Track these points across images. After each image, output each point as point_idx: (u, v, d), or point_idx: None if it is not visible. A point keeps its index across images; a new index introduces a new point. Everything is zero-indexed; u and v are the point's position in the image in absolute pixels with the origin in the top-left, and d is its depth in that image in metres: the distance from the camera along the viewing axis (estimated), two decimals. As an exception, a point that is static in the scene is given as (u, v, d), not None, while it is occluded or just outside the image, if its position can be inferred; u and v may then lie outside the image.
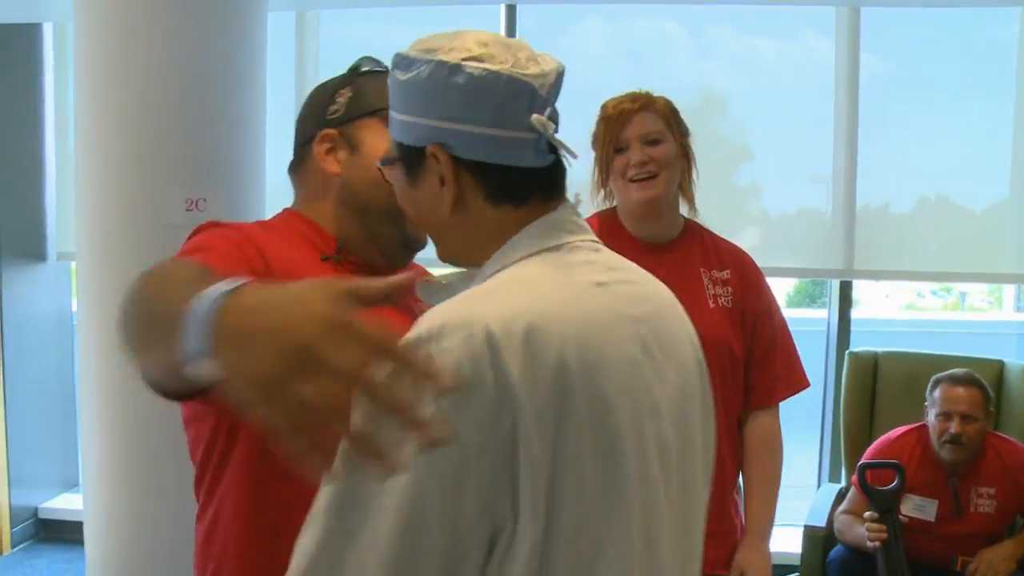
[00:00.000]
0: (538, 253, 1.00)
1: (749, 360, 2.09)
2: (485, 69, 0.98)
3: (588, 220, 1.94)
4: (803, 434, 4.49)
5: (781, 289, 8.41)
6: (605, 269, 1.02)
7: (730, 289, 2.06)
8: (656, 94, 2.05)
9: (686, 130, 2.07)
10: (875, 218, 3.90)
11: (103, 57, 2.92)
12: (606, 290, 0.99)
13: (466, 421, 0.84)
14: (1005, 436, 3.12)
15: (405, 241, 1.34)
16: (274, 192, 3.77)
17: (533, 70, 1.00)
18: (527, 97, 0.99)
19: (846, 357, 3.66)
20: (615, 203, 2.09)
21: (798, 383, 2.15)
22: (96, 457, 2.78)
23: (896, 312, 9.34)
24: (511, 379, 0.85)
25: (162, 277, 0.96)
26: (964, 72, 3.87)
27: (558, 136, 1.02)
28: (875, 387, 3.63)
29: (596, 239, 1.07)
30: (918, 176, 3.90)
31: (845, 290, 3.99)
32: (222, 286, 0.77)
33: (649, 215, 2.03)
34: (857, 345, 3.84)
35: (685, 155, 2.06)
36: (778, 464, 2.12)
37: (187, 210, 3.16)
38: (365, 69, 1.41)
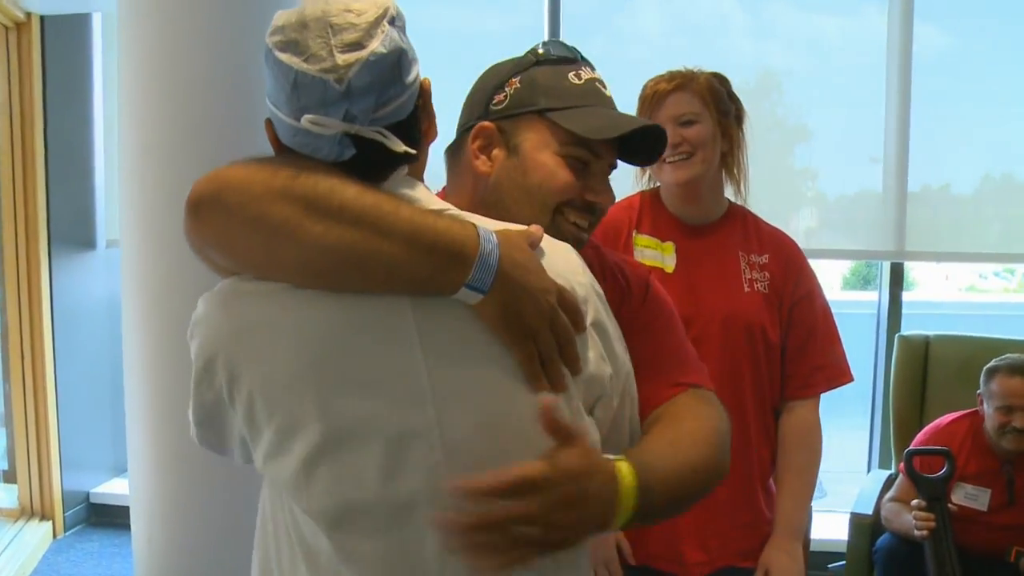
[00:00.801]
0: None
1: (786, 348, 2.01)
2: (279, 58, 1.02)
3: (631, 198, 1.93)
4: (854, 418, 4.41)
5: (836, 272, 8.28)
6: None
7: (767, 274, 1.99)
8: (703, 71, 1.97)
9: (729, 109, 1.98)
10: (932, 198, 3.79)
11: (146, 47, 2.93)
12: None
13: None
14: (1057, 420, 3.01)
15: None
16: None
17: (327, 64, 1.01)
18: (315, 91, 1.01)
19: (896, 340, 3.57)
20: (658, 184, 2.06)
21: (840, 376, 2.05)
22: (141, 443, 2.82)
23: (956, 294, 9.13)
24: None
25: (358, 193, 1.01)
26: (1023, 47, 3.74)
27: (372, 127, 1.04)
28: (926, 371, 3.54)
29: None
30: (979, 155, 3.79)
31: (897, 272, 3.90)
32: (491, 235, 1.03)
33: (688, 196, 1.99)
34: (913, 328, 3.75)
35: (727, 135, 1.97)
36: (814, 458, 2.01)
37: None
38: (542, 53, 1.27)
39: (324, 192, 0.98)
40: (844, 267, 7.51)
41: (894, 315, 3.89)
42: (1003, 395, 2.87)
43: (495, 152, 1.24)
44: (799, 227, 3.94)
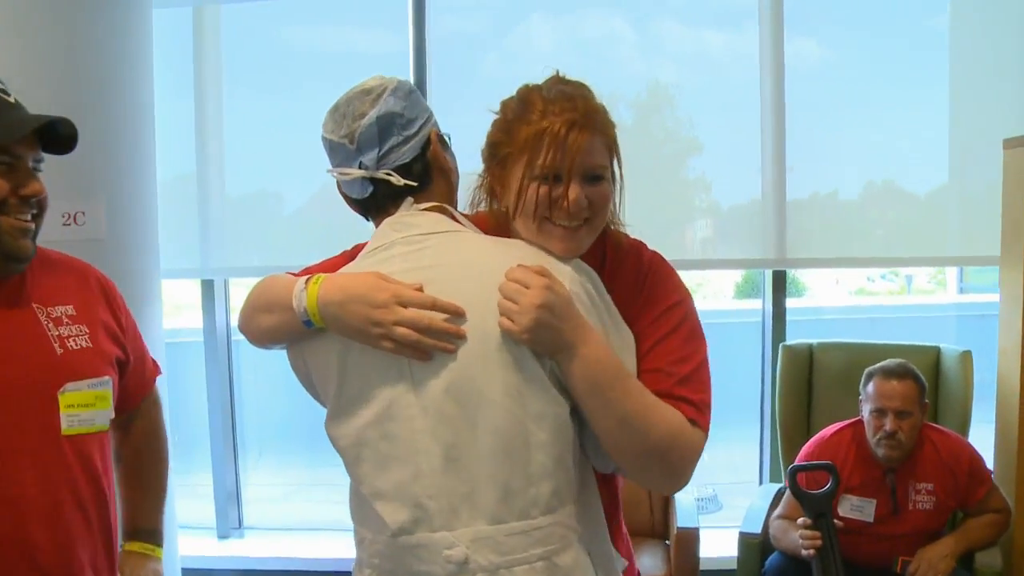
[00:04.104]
0: (373, 251, 1.46)
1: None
2: (322, 135, 1.50)
3: (479, 217, 1.56)
4: (744, 428, 4.35)
5: (729, 280, 8.33)
6: (386, 260, 1.43)
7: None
8: (593, 98, 1.49)
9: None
10: (818, 205, 3.78)
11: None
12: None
13: None
14: (941, 428, 2.99)
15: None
16: (168, 202, 3.56)
17: (344, 131, 1.45)
18: (341, 152, 1.47)
19: (780, 350, 3.51)
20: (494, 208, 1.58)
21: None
22: None
23: (846, 298, 9.30)
24: None
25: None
26: (899, 59, 3.79)
27: (384, 169, 1.46)
28: (811, 379, 3.50)
29: (414, 235, 1.43)
30: (860, 163, 3.80)
31: (779, 280, 3.85)
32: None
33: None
34: (801, 334, 3.70)
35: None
36: None
37: (64, 224, 2.93)
38: None
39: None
40: (736, 275, 7.55)
41: (778, 323, 3.84)
42: (876, 397, 2.83)
43: None
44: (694, 238, 3.91)
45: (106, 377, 1.63)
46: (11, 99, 1.51)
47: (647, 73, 3.86)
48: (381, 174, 1.44)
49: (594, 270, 1.52)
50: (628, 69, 3.85)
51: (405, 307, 1.35)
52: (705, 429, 1.40)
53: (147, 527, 1.85)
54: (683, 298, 1.50)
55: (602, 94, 1.52)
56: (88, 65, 2.96)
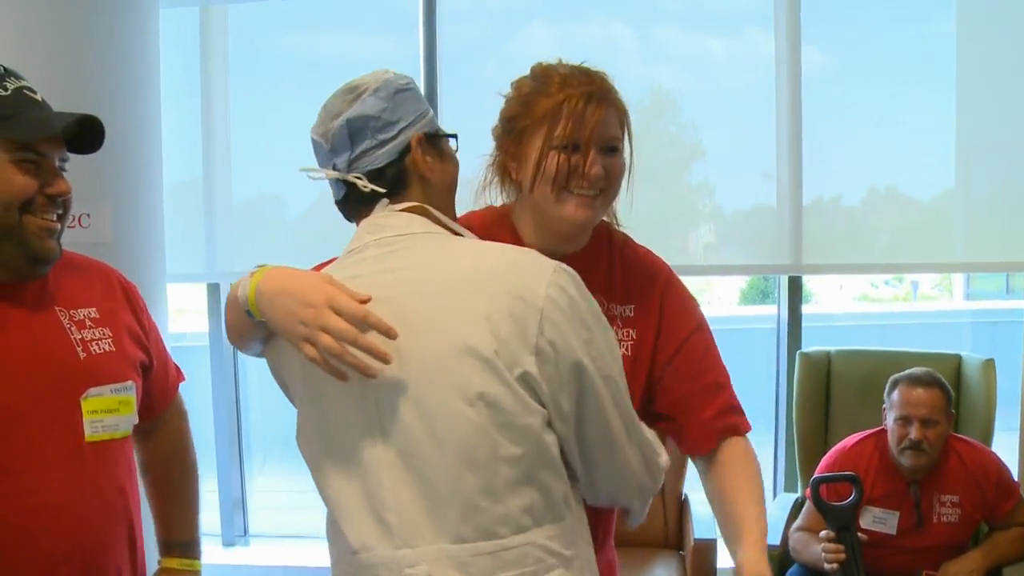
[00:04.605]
0: (348, 254, 1.41)
1: (668, 405, 1.58)
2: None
3: (471, 216, 1.58)
4: (757, 437, 4.28)
5: (734, 286, 8.28)
6: (357, 263, 1.37)
7: (632, 333, 1.57)
8: (608, 78, 1.53)
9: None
10: (826, 212, 3.72)
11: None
12: (351, 282, 1.32)
13: None
14: (966, 438, 2.92)
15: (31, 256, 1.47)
16: (175, 203, 3.50)
17: (321, 131, 1.41)
18: (320, 151, 1.43)
19: (797, 358, 3.44)
20: (507, 201, 1.61)
21: (743, 425, 1.58)
22: None
23: (851, 304, 9.25)
24: None
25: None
26: (905, 64, 3.73)
27: (355, 173, 1.40)
28: (829, 388, 3.43)
29: (388, 236, 1.37)
30: (867, 169, 3.74)
31: (795, 286, 3.79)
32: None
33: (573, 234, 1.55)
34: (812, 341, 3.64)
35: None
36: (758, 471, 1.57)
37: (69, 227, 2.84)
38: None
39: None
40: (741, 281, 7.50)
41: (794, 330, 3.77)
42: (902, 405, 2.75)
43: None
44: (698, 243, 3.84)
45: (129, 382, 1.58)
46: (37, 97, 1.49)
47: (649, 78, 3.81)
48: (351, 177, 1.38)
49: (601, 272, 1.57)
50: (630, 74, 3.78)
51: (339, 314, 1.26)
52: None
53: (183, 539, 1.80)
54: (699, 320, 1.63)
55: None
56: (95, 66, 2.90)
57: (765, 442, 4.06)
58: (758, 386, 4.09)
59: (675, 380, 1.57)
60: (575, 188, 1.47)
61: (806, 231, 3.64)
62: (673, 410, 1.57)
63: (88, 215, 2.88)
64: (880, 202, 3.78)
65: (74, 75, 2.83)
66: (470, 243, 1.38)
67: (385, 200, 1.39)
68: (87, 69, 2.88)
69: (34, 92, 1.49)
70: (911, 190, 3.78)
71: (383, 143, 1.37)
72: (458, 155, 1.48)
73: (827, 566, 2.63)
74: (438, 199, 1.42)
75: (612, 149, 1.49)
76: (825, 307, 7.49)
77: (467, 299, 1.27)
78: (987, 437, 3.11)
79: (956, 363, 3.30)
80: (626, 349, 1.55)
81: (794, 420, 3.39)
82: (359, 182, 1.37)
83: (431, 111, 1.43)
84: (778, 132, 3.64)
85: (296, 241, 3.91)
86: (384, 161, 1.38)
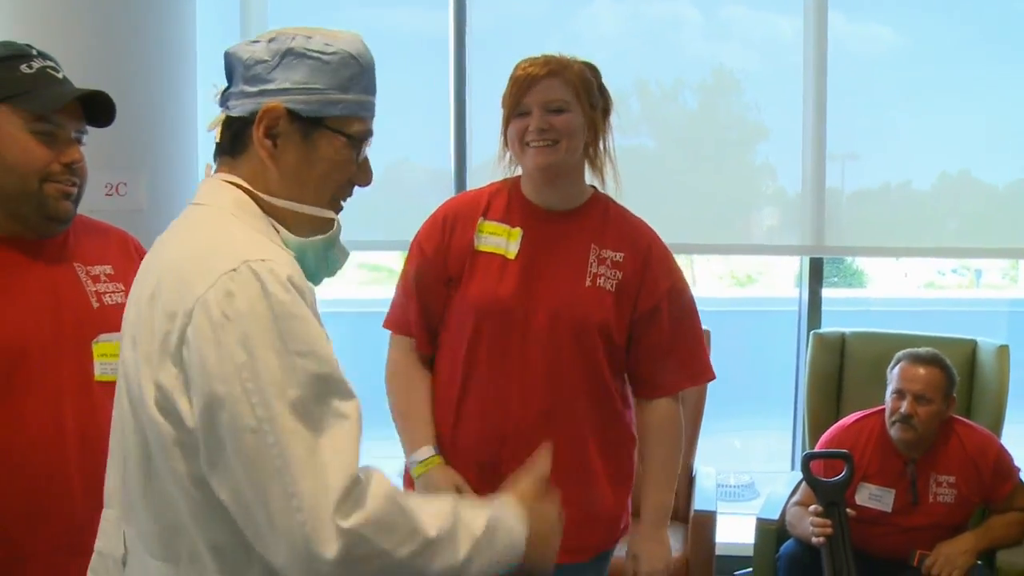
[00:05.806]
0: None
1: (639, 348, 1.97)
2: None
3: (492, 185, 2.03)
4: (782, 419, 4.31)
5: (789, 269, 8.21)
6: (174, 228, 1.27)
7: (619, 273, 1.94)
8: (577, 59, 1.92)
9: (597, 102, 1.94)
10: (890, 195, 3.73)
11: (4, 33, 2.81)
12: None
13: None
14: (969, 422, 2.93)
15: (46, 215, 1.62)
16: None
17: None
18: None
19: (811, 338, 3.47)
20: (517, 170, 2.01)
21: (702, 374, 2.04)
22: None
23: (913, 291, 9.10)
24: None
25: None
26: (984, 42, 3.68)
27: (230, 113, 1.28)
28: (842, 369, 3.45)
29: (190, 202, 1.28)
30: (935, 152, 3.72)
31: (816, 268, 3.80)
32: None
33: (547, 181, 1.94)
34: (844, 326, 3.65)
35: (592, 126, 1.93)
36: (674, 451, 2.03)
37: (107, 195, 3.05)
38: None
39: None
40: (795, 263, 7.43)
41: (814, 312, 3.79)
42: (899, 379, 2.79)
43: None
44: (762, 225, 3.88)
45: None
46: (59, 75, 1.63)
47: (711, 57, 3.80)
48: (216, 105, 1.29)
49: (594, 223, 1.97)
50: (693, 52, 3.79)
51: None
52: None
53: None
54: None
55: (661, 79, 1.87)
56: (132, 38, 3.07)
57: (783, 425, 4.10)
58: (786, 368, 4.12)
59: (643, 333, 1.95)
60: (531, 141, 1.87)
61: (847, 213, 3.67)
62: (635, 358, 1.97)
63: (125, 183, 3.06)
64: (947, 187, 3.74)
65: (112, 49, 3.00)
66: (213, 228, 1.20)
67: (209, 163, 1.32)
68: (125, 43, 3.04)
69: (57, 71, 1.63)
70: (982, 175, 3.76)
71: (245, 94, 1.24)
72: (367, 163, 1.32)
73: (814, 540, 2.68)
74: (278, 186, 1.25)
75: (557, 109, 1.86)
76: (870, 292, 7.41)
77: (160, 286, 1.16)
78: (997, 423, 3.11)
79: (971, 348, 3.29)
80: (611, 286, 1.92)
81: (806, 399, 3.42)
82: (211, 122, 1.30)
83: (344, 98, 1.24)
84: (805, 105, 3.62)
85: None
86: (238, 112, 1.24)
